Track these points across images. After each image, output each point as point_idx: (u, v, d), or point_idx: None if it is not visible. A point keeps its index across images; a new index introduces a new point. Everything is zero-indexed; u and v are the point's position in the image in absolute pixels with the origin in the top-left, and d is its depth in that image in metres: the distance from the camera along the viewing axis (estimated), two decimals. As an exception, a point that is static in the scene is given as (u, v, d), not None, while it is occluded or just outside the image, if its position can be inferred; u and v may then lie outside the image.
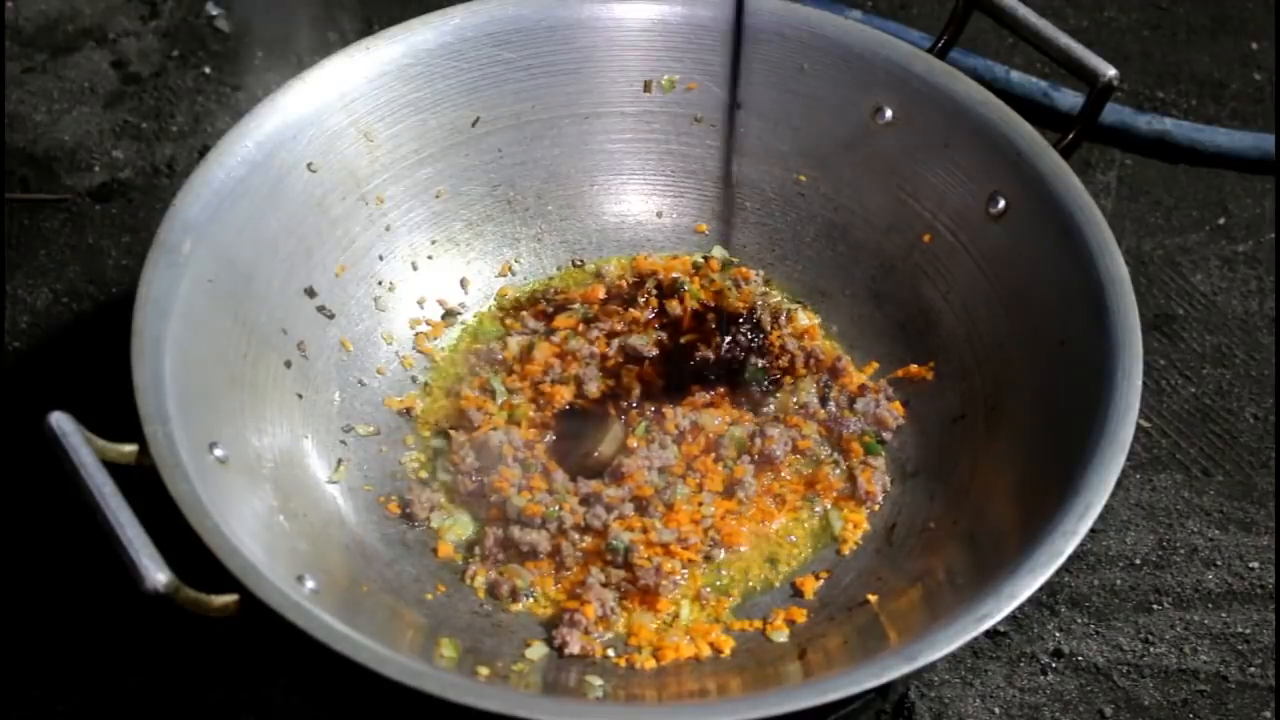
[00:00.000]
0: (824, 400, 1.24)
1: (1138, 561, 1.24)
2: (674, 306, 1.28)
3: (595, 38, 1.30)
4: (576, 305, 1.29)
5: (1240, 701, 1.16)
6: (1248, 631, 1.20)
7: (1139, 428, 1.04)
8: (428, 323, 1.28)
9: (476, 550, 1.15)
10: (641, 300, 1.29)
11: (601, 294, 1.30)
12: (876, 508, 1.18)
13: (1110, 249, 1.12)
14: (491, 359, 1.26)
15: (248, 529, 1.00)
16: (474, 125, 1.30)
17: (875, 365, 1.26)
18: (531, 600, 1.13)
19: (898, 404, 1.23)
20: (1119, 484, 1.03)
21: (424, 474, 1.20)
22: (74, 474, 0.94)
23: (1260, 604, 1.21)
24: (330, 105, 1.23)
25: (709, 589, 1.13)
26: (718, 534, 1.15)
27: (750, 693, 1.03)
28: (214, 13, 1.64)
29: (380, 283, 1.27)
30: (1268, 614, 1.20)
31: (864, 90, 1.27)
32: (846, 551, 1.15)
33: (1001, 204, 1.20)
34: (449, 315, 1.29)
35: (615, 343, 1.26)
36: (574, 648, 1.08)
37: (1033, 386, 1.14)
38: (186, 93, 1.57)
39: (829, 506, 1.18)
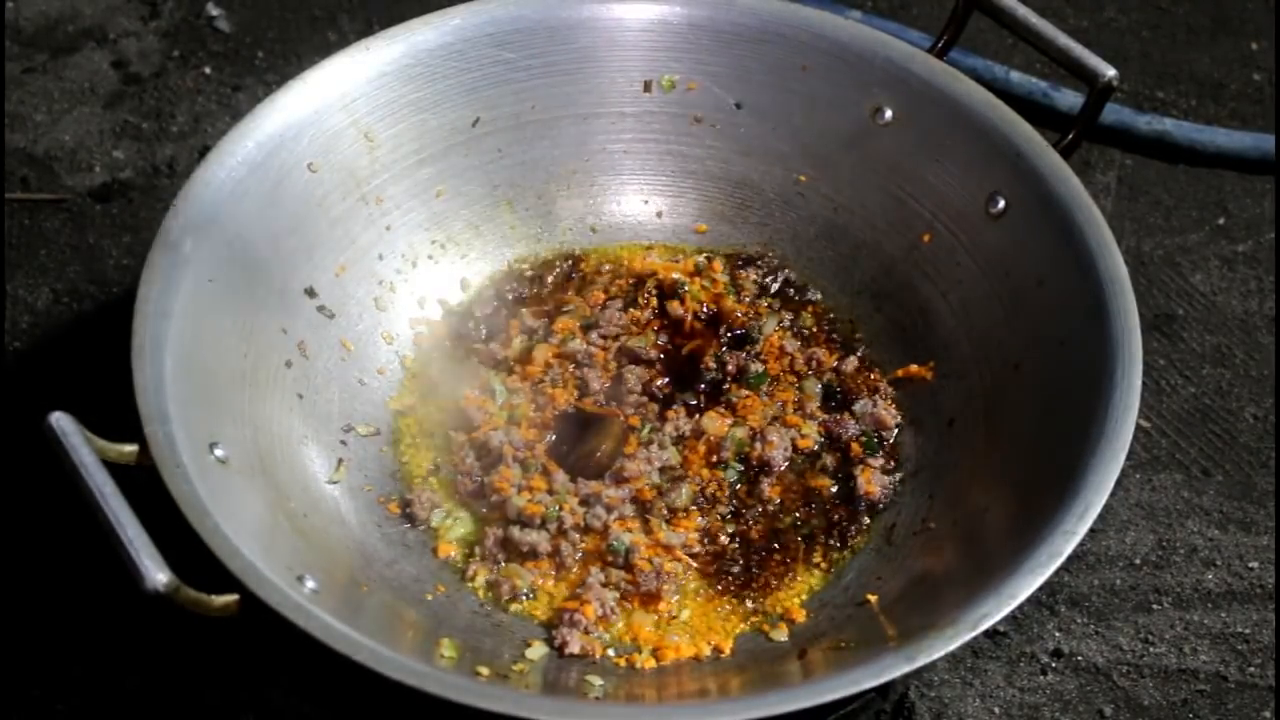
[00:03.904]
0: (824, 400, 1.24)
1: (1138, 561, 1.24)
2: (674, 308, 1.29)
3: (595, 38, 1.30)
4: (574, 307, 1.29)
5: (1240, 701, 1.16)
6: (1248, 631, 1.20)
7: (1139, 428, 1.04)
8: (427, 323, 1.28)
9: (476, 550, 1.15)
10: (641, 301, 1.29)
11: (601, 296, 1.30)
12: (868, 521, 1.18)
13: (1110, 249, 1.12)
14: (492, 359, 1.26)
15: (248, 529, 1.00)
16: (474, 125, 1.30)
17: (875, 365, 1.26)
18: (531, 600, 1.13)
19: (897, 404, 1.23)
20: (1119, 484, 1.03)
21: (424, 474, 1.20)
22: (74, 474, 0.94)
23: (1260, 604, 1.21)
24: (330, 105, 1.23)
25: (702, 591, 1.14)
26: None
27: (750, 693, 1.03)
28: (214, 13, 1.64)
29: (380, 283, 1.27)
30: (1268, 614, 1.20)
31: (864, 90, 1.27)
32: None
33: (1001, 204, 1.20)
34: (449, 315, 1.29)
35: (615, 344, 1.26)
36: (574, 648, 1.08)
37: (1032, 386, 1.14)
38: (186, 93, 1.57)
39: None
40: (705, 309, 1.29)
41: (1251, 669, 1.18)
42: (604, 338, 1.27)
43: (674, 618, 1.12)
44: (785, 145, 1.32)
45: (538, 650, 1.09)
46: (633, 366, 1.25)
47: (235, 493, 1.03)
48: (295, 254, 1.20)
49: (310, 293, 1.21)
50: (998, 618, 0.95)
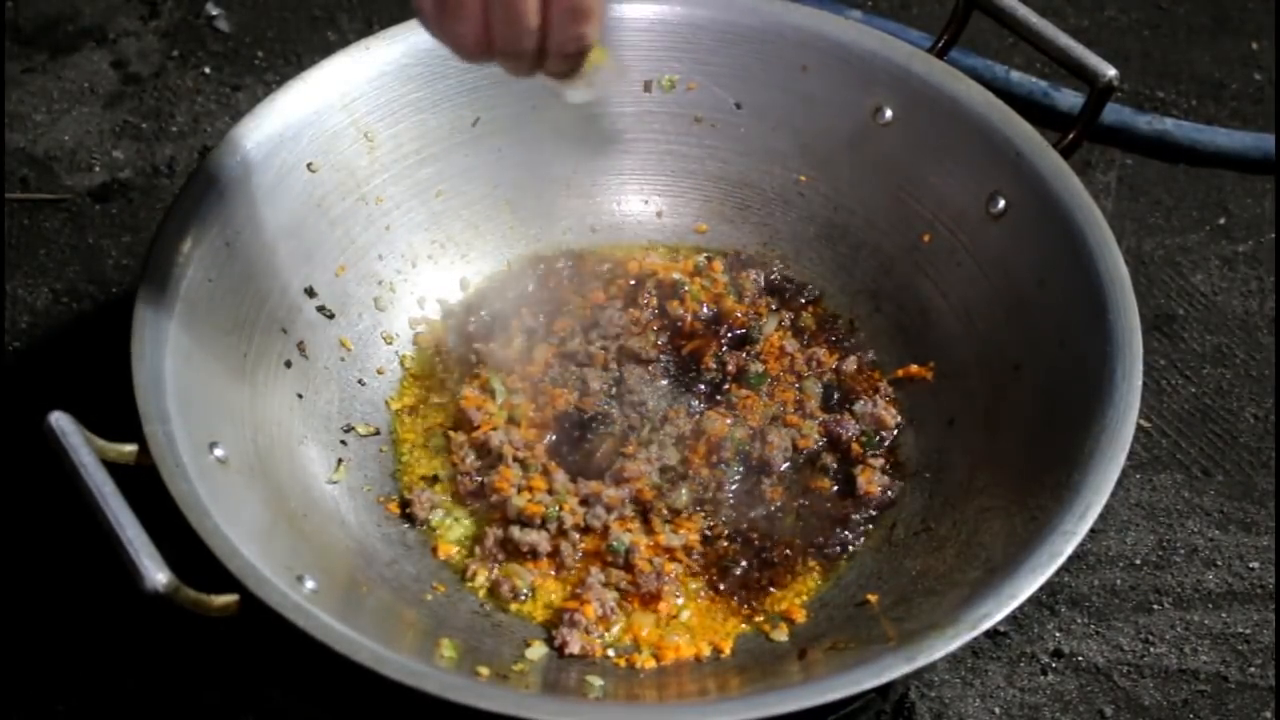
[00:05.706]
0: (824, 400, 1.24)
1: (1138, 561, 1.24)
2: (674, 308, 1.29)
3: (595, 38, 1.30)
4: (574, 307, 1.29)
5: (1240, 701, 1.16)
6: (1248, 631, 1.20)
7: (1139, 428, 1.04)
8: (427, 323, 1.28)
9: (476, 550, 1.15)
10: (641, 301, 1.29)
11: (601, 296, 1.30)
12: (870, 524, 1.18)
13: (1110, 249, 1.12)
14: (492, 359, 1.26)
15: (248, 529, 1.00)
16: (474, 125, 1.30)
17: (875, 365, 1.26)
18: (531, 600, 1.13)
19: (897, 404, 1.23)
20: (1119, 484, 1.03)
21: (424, 474, 1.20)
22: (74, 474, 0.94)
23: (1260, 604, 1.21)
24: (330, 105, 1.23)
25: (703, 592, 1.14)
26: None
27: (750, 693, 1.03)
28: (214, 13, 1.64)
29: (380, 283, 1.27)
30: (1268, 614, 1.20)
31: (864, 90, 1.27)
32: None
33: (1001, 204, 1.20)
34: (449, 315, 1.29)
35: (615, 344, 1.26)
36: (574, 648, 1.08)
37: (1032, 386, 1.14)
38: (186, 93, 1.57)
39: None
40: (705, 309, 1.29)
41: (1252, 669, 1.18)
42: (604, 338, 1.27)
43: (674, 618, 1.12)
44: (785, 145, 1.32)
45: (538, 650, 1.09)
46: (633, 366, 1.25)
47: (235, 493, 1.03)
48: (295, 254, 1.20)
49: (310, 293, 1.21)
50: (998, 618, 0.95)
